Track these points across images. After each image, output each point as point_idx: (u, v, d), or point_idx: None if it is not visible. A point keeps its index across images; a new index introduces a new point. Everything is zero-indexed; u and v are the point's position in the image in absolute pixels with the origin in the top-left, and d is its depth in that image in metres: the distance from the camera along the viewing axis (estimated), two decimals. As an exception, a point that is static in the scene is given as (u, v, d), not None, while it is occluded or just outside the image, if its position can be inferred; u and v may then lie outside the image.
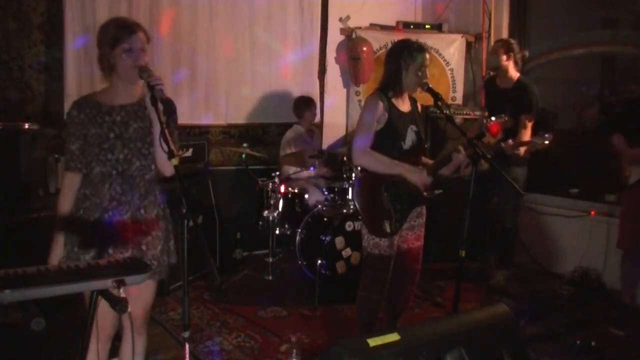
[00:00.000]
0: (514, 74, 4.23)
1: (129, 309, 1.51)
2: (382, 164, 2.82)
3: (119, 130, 2.10)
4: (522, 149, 3.40)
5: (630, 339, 3.44)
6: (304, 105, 4.93)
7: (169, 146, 1.81)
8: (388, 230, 2.84)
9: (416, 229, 3.00)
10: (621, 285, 3.76)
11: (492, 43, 5.23)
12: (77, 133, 2.10)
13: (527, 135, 3.99)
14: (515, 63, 4.23)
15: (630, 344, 3.39)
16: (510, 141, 3.17)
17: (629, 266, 3.65)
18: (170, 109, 2.11)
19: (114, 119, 2.10)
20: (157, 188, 2.23)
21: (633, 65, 4.61)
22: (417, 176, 2.81)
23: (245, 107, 5.17)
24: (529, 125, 4.05)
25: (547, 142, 2.96)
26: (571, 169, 4.90)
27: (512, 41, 4.28)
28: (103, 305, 1.59)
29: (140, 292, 2.16)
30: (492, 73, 4.54)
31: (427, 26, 5.59)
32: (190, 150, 4.42)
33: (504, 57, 4.18)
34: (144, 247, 2.14)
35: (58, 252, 2.13)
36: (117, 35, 2.04)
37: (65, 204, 2.15)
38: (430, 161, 3.01)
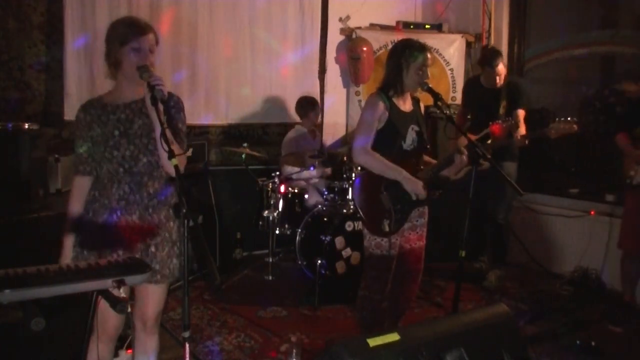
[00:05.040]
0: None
1: (129, 309, 1.51)
2: (379, 165, 2.80)
3: (123, 128, 2.10)
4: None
5: (629, 338, 3.44)
6: (308, 105, 4.90)
7: (169, 146, 1.81)
8: (387, 229, 2.83)
9: (418, 228, 2.99)
10: (622, 284, 3.77)
11: (492, 43, 5.25)
12: (84, 135, 2.13)
13: (522, 128, 4.07)
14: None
15: (629, 342, 3.39)
16: (518, 135, 3.17)
17: (629, 265, 3.67)
18: (178, 107, 2.17)
19: (118, 117, 2.11)
20: (167, 188, 2.21)
21: (633, 65, 4.60)
22: (412, 185, 2.78)
23: (245, 107, 5.18)
24: (522, 118, 4.12)
25: (575, 125, 2.94)
26: (571, 169, 4.89)
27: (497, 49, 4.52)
28: (107, 307, 1.58)
29: (150, 294, 2.18)
30: (471, 73, 4.65)
31: (427, 26, 5.60)
32: (190, 150, 4.41)
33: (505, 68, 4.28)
34: (152, 249, 2.12)
35: (67, 256, 2.13)
36: (128, 33, 2.06)
37: (74, 207, 2.17)
38: (432, 160, 3.00)
